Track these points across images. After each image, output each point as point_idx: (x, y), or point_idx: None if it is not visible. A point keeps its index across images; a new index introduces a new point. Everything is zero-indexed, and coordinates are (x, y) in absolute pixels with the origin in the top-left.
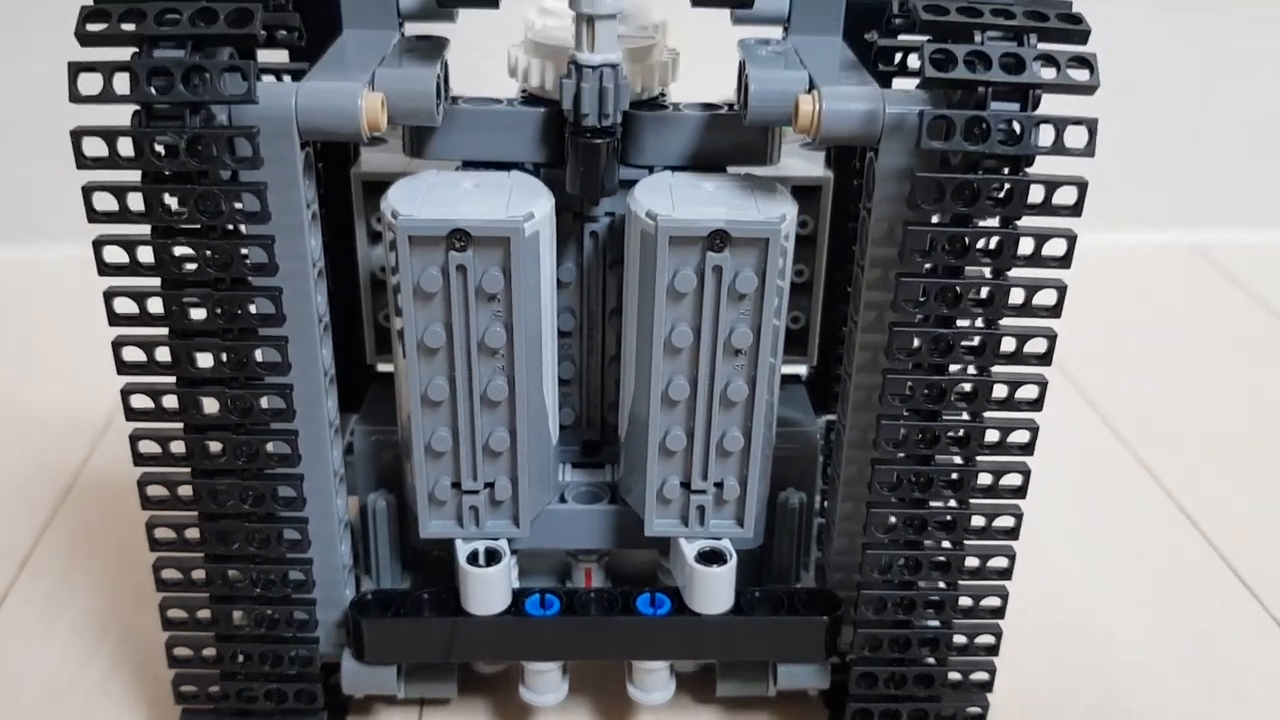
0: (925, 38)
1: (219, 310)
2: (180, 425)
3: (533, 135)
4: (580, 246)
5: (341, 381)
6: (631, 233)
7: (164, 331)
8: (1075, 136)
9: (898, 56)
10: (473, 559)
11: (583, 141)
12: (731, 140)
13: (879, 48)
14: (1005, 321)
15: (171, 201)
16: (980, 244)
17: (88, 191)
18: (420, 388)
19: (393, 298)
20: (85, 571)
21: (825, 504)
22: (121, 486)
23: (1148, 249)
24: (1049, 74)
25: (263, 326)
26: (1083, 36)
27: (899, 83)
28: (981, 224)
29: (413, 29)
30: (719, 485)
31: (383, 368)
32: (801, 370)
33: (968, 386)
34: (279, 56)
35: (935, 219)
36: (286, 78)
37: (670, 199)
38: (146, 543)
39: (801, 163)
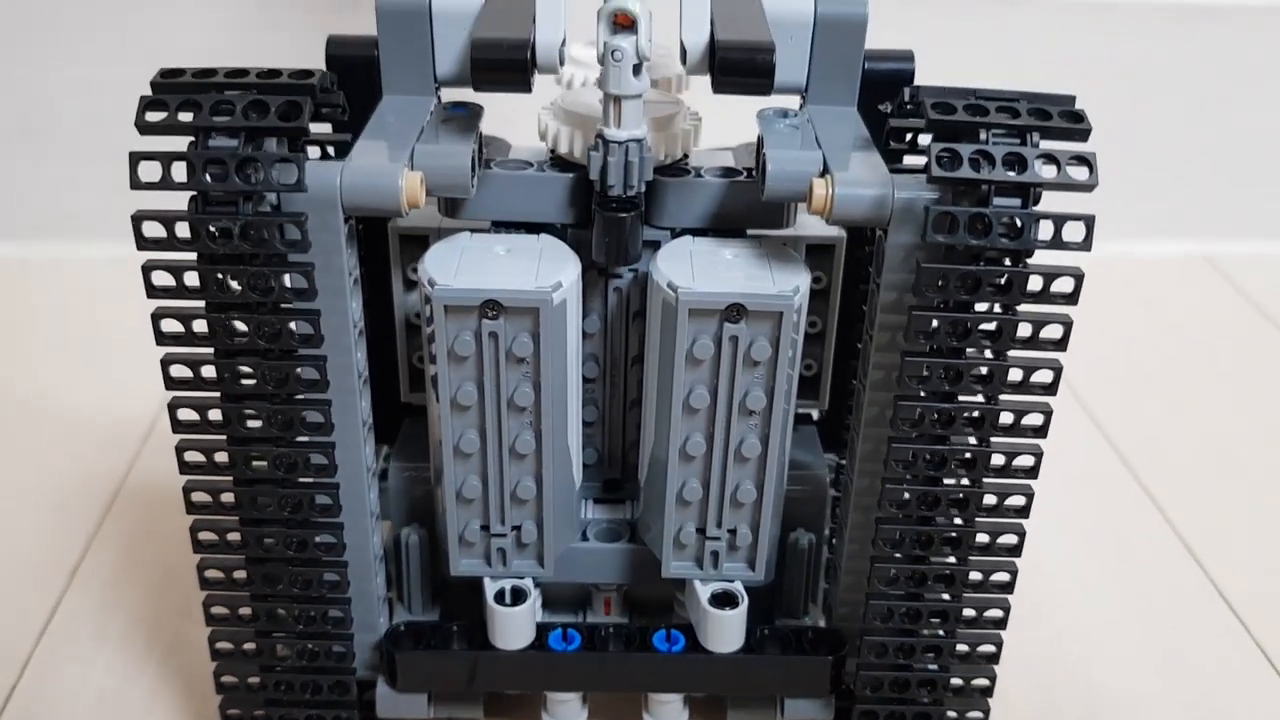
0: (931, 136)
1: (267, 375)
2: (230, 479)
3: (561, 199)
4: (605, 300)
5: (376, 415)
6: (653, 299)
7: (216, 394)
8: (1073, 231)
9: (908, 135)
10: (499, 598)
11: (608, 215)
12: (750, 205)
13: (891, 127)
14: (1011, 365)
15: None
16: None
17: (147, 270)
18: (453, 440)
19: (427, 348)
20: (132, 582)
21: (834, 541)
22: (165, 494)
23: (1160, 259)
24: (1050, 172)
25: (308, 392)
26: (1083, 135)
27: (910, 158)
28: (982, 309)
29: (449, 93)
30: (732, 532)
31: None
32: (814, 411)
33: (968, 454)
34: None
35: (938, 303)
36: (330, 149)
37: (691, 268)
38: (190, 552)
39: (817, 220)
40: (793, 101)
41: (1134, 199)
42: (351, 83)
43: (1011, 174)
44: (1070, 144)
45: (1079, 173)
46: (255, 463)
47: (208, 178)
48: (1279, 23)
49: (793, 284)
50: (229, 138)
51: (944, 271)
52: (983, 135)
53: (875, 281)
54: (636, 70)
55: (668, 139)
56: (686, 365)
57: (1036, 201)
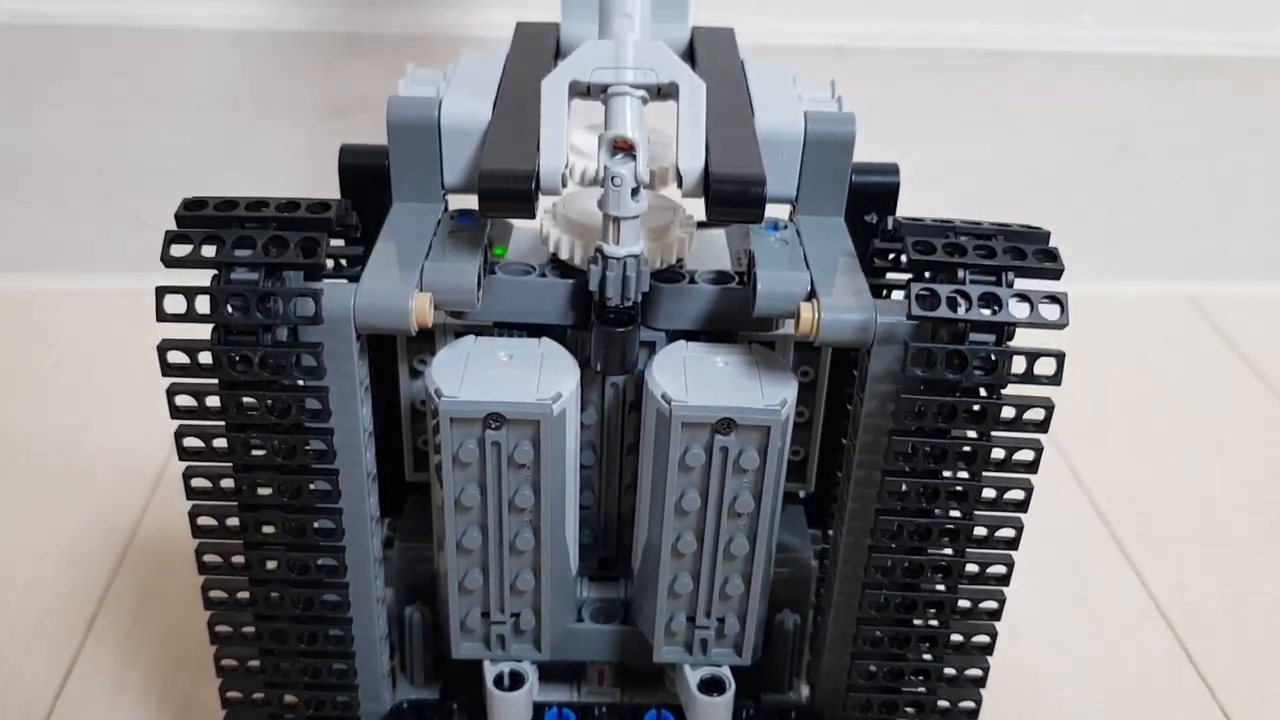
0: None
1: (282, 488)
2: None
3: (562, 304)
4: (602, 394)
5: (381, 490)
6: (648, 407)
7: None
8: (1044, 365)
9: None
10: (498, 681)
11: (606, 329)
12: (741, 310)
13: (876, 248)
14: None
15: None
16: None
17: (171, 394)
18: (455, 536)
19: (432, 443)
20: (147, 637)
21: (818, 618)
22: (177, 545)
23: (1143, 298)
24: (1023, 310)
25: (320, 502)
26: (1056, 274)
27: (892, 275)
28: (957, 434)
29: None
30: (721, 621)
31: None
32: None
33: (942, 561)
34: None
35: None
36: (344, 261)
37: (684, 379)
38: (202, 606)
39: None
40: (784, 209)
41: (1119, 239)
42: (362, 189)
43: (987, 312)
44: (1043, 283)
45: (1050, 312)
46: (269, 564)
47: (229, 309)
48: (1265, 74)
49: (780, 396)
50: (250, 271)
51: (922, 402)
52: (960, 273)
53: (859, 395)
54: (634, 192)
55: (664, 248)
56: (679, 471)
57: (1011, 337)
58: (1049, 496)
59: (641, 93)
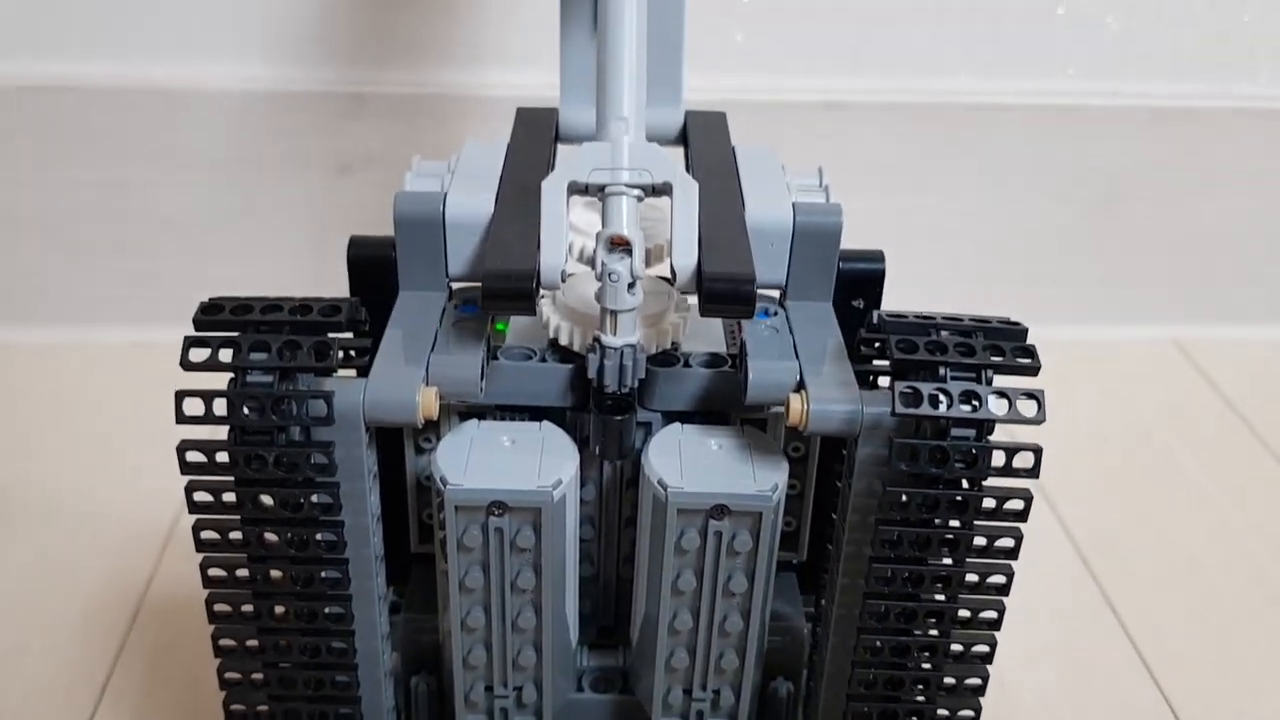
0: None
1: (295, 577)
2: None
3: (562, 387)
4: (601, 471)
5: (388, 560)
6: (644, 492)
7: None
8: (1023, 459)
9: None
10: None
11: (605, 418)
12: (733, 392)
13: (862, 338)
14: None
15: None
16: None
17: (190, 491)
18: (460, 615)
19: (437, 517)
20: (160, 700)
21: (811, 684)
22: (188, 603)
23: (1129, 342)
24: (1003, 407)
25: (331, 589)
26: (1034, 371)
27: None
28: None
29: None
30: (716, 693)
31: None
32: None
33: (928, 640)
34: None
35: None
36: (353, 352)
37: (679, 464)
38: (213, 664)
39: None
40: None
41: (1105, 284)
42: (370, 277)
43: (967, 409)
44: (1021, 379)
45: (1028, 408)
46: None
47: (246, 411)
48: (1246, 123)
49: (771, 482)
50: (265, 373)
51: (906, 493)
52: (941, 371)
53: (847, 480)
54: (631, 287)
55: (659, 334)
56: (675, 554)
57: (990, 432)
58: (1033, 539)
59: (637, 192)
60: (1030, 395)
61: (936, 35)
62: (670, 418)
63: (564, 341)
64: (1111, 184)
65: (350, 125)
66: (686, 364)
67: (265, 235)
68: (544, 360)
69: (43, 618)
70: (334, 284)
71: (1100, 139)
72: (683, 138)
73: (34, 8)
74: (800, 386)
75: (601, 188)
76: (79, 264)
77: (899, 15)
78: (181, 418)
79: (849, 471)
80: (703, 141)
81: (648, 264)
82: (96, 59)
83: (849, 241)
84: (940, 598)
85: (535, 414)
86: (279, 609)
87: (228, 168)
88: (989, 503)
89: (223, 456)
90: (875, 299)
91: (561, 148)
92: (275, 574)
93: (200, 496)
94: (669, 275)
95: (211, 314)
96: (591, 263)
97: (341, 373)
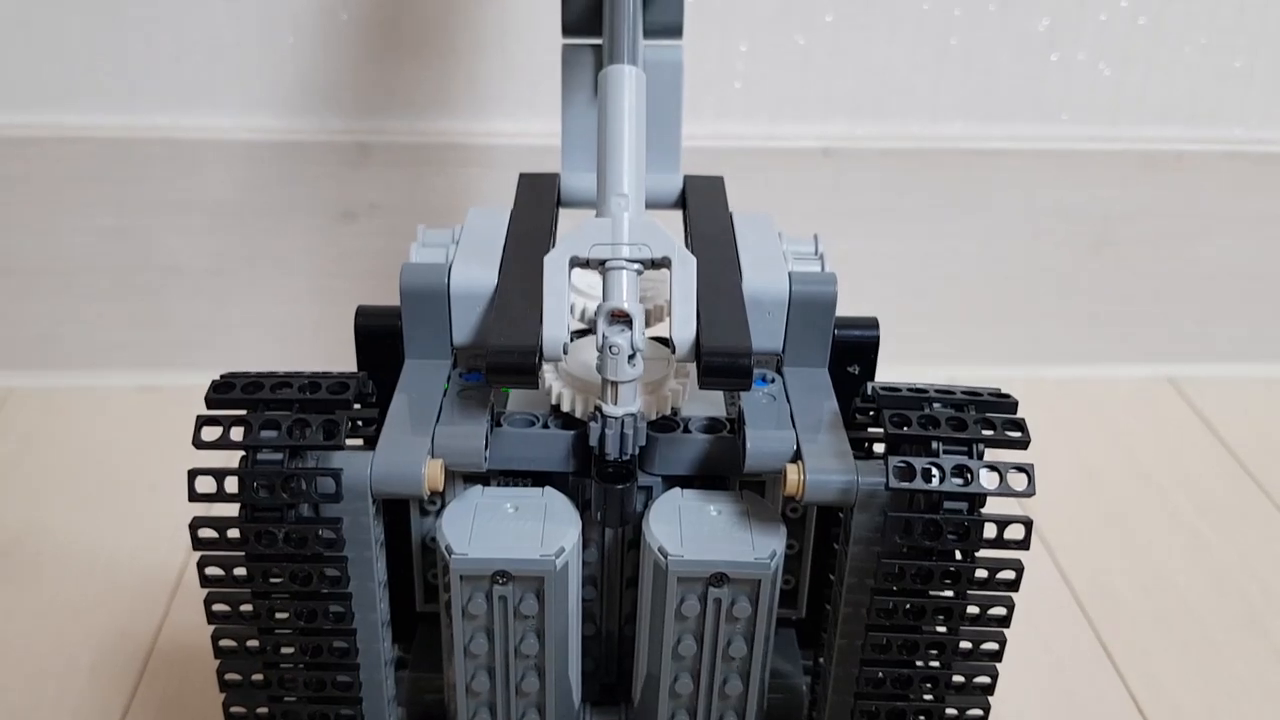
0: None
1: (304, 648)
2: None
3: (564, 453)
4: (602, 534)
5: (394, 619)
6: (645, 558)
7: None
8: (1014, 530)
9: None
10: None
11: (606, 487)
12: (731, 458)
13: (856, 407)
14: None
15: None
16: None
17: (202, 565)
18: (465, 680)
19: (442, 579)
20: None
21: None
22: (196, 653)
23: (1123, 380)
24: (993, 481)
25: (340, 659)
26: (1024, 444)
27: (873, 429)
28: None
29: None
30: None
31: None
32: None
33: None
34: None
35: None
36: (359, 422)
37: (679, 531)
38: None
39: None
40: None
41: (1100, 324)
42: (376, 346)
43: (959, 482)
44: (1011, 453)
45: (1018, 481)
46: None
47: (256, 488)
48: (1234, 166)
49: (769, 548)
50: (275, 450)
51: (901, 564)
52: (934, 445)
53: (844, 546)
54: (631, 359)
55: (659, 400)
56: (675, 620)
57: (982, 505)
58: (1028, 580)
59: (637, 265)
60: (1020, 469)
61: (932, 82)
62: (671, 481)
63: (566, 408)
64: (1106, 226)
65: (355, 174)
66: (686, 429)
67: (271, 281)
68: (546, 426)
69: (54, 665)
70: (338, 329)
71: (1094, 183)
72: (681, 202)
73: (42, 58)
74: (797, 456)
75: (602, 262)
76: (87, 310)
77: (895, 63)
78: (194, 496)
79: (845, 537)
80: (701, 207)
81: (648, 324)
82: (105, 110)
83: (847, 286)
84: (936, 663)
85: (538, 478)
86: (287, 674)
87: (234, 215)
88: (981, 573)
89: (234, 532)
90: (870, 365)
91: (563, 224)
92: (285, 648)
93: (212, 570)
94: (668, 336)
95: (223, 392)
96: (593, 324)
97: (349, 442)
